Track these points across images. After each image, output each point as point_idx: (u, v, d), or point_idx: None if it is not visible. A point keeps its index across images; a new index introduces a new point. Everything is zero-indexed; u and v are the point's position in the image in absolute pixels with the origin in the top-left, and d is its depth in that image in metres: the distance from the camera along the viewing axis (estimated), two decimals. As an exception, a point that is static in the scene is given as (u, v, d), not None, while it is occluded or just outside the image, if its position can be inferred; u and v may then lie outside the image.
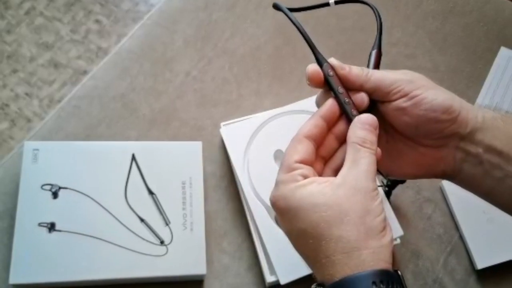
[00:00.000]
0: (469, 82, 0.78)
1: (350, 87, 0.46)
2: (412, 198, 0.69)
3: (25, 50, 1.56)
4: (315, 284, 0.42)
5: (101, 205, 0.61)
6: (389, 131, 0.49)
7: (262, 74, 0.75)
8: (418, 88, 0.46)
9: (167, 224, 0.62)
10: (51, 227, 0.59)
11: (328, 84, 0.46)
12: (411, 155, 0.49)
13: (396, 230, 0.63)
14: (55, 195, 0.61)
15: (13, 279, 0.57)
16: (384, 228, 0.41)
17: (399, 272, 0.42)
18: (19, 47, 1.56)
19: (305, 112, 0.68)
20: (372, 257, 0.40)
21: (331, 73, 0.46)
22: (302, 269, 0.60)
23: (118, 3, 1.65)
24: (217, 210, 0.66)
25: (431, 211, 0.68)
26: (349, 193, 0.41)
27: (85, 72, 1.52)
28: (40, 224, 0.59)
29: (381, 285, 0.39)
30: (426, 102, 0.45)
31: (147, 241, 0.60)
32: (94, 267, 0.58)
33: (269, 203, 0.63)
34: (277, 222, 0.46)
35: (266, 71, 0.75)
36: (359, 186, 0.41)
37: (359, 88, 0.47)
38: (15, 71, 1.53)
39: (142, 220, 0.61)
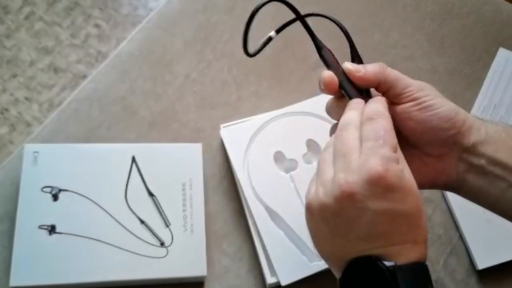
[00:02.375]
0: (468, 84, 0.78)
1: (366, 85, 0.48)
2: (412, 199, 0.69)
3: (25, 55, 1.56)
4: (375, 259, 0.41)
5: (101, 207, 0.61)
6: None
7: (261, 76, 0.75)
8: (427, 95, 0.47)
9: (167, 226, 0.62)
10: (52, 229, 0.59)
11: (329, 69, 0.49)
12: (415, 164, 0.48)
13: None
14: (55, 197, 0.61)
15: (13, 282, 0.57)
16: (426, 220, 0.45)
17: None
18: (19, 52, 1.57)
19: (305, 113, 0.68)
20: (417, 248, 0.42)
21: (331, 58, 0.50)
22: (302, 270, 0.60)
23: (117, 8, 1.66)
24: (217, 211, 0.66)
25: (431, 211, 0.68)
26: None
27: (84, 77, 1.52)
28: (40, 227, 0.59)
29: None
30: (432, 108, 0.47)
31: (147, 243, 0.60)
32: (95, 269, 0.58)
33: (269, 205, 0.63)
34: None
35: (265, 73, 0.75)
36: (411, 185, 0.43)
37: (375, 86, 0.48)
38: (14, 75, 1.53)
39: (142, 222, 0.61)
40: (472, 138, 0.47)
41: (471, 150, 0.48)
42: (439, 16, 0.82)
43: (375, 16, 0.81)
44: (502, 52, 0.80)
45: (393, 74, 0.48)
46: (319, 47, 0.50)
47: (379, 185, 0.40)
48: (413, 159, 0.48)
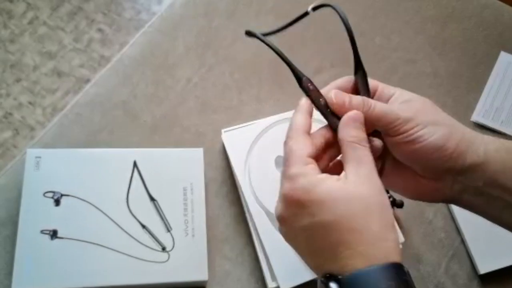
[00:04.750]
0: (469, 87, 0.78)
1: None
2: (413, 203, 0.68)
3: (29, 59, 1.57)
4: (322, 277, 0.42)
5: (103, 212, 0.61)
6: (394, 157, 0.49)
7: (263, 80, 0.75)
8: (417, 125, 0.46)
9: (168, 230, 0.62)
10: (53, 234, 0.60)
11: (309, 98, 0.48)
12: (412, 182, 0.49)
13: (398, 236, 0.63)
14: (57, 202, 0.61)
15: (15, 286, 0.57)
16: (393, 222, 0.43)
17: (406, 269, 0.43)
18: (23, 56, 1.57)
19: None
20: (395, 249, 0.41)
21: (311, 87, 0.47)
22: (303, 275, 0.60)
23: (120, 12, 1.66)
24: (219, 216, 0.66)
25: (432, 215, 0.68)
26: (367, 188, 0.42)
27: (88, 81, 1.53)
28: (42, 231, 0.59)
29: (403, 277, 0.40)
30: (419, 140, 0.46)
31: (148, 247, 0.61)
32: (96, 273, 0.59)
33: (270, 209, 0.63)
34: (283, 221, 0.46)
35: (267, 77, 0.75)
36: (373, 182, 0.43)
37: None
38: (18, 80, 1.54)
39: (143, 226, 0.61)
40: (468, 160, 0.46)
41: (467, 172, 0.46)
42: (440, 19, 0.82)
43: (376, 19, 0.81)
44: (503, 56, 0.79)
45: (377, 110, 0.46)
46: (299, 77, 0.49)
47: (292, 205, 0.43)
48: (411, 178, 0.49)
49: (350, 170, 0.43)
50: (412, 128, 0.46)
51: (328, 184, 0.42)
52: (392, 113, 0.46)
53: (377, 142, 0.49)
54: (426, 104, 0.48)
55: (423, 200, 0.51)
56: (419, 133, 0.45)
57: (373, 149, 0.46)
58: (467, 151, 0.46)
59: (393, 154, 0.49)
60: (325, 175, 0.43)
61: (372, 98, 0.49)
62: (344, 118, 0.45)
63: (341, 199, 0.42)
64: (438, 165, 0.47)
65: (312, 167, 0.44)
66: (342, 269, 0.41)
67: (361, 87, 0.49)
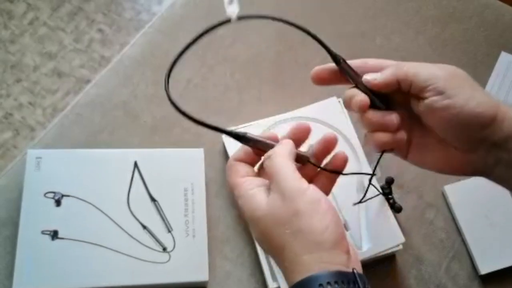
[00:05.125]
0: (470, 87, 0.78)
1: (387, 90, 0.48)
2: (414, 203, 0.69)
3: (29, 60, 1.57)
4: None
5: (103, 213, 0.61)
6: (423, 126, 0.48)
7: (263, 81, 0.75)
8: (453, 88, 0.44)
9: (169, 231, 0.62)
10: (54, 234, 0.59)
11: (350, 78, 0.50)
12: (441, 153, 0.48)
13: (398, 236, 0.63)
14: (58, 203, 0.61)
15: (16, 287, 0.57)
16: (326, 227, 0.41)
17: (355, 271, 0.41)
18: (23, 57, 1.57)
19: (307, 119, 0.68)
20: (313, 262, 0.40)
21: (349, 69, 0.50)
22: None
23: (120, 12, 1.66)
24: (219, 216, 0.66)
25: (433, 216, 0.68)
26: (275, 203, 0.42)
27: (88, 81, 1.53)
28: (43, 232, 0.59)
29: (328, 286, 0.38)
30: (457, 106, 0.44)
31: (149, 248, 0.61)
32: (97, 274, 0.59)
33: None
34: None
35: (268, 78, 0.75)
36: (281, 192, 0.42)
37: (396, 87, 0.47)
38: (18, 80, 1.54)
39: (144, 227, 0.61)
40: (504, 132, 0.45)
41: (502, 145, 0.45)
42: (441, 20, 0.82)
43: (377, 20, 0.81)
44: (504, 56, 0.79)
45: (411, 70, 0.46)
46: (337, 59, 0.51)
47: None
48: (441, 148, 0.48)
49: (270, 189, 0.44)
50: (450, 89, 0.44)
51: (251, 202, 0.44)
52: (427, 70, 0.46)
53: (393, 116, 0.47)
54: (459, 72, 0.47)
55: (453, 174, 0.50)
56: (455, 99, 0.44)
57: (388, 123, 0.47)
58: (503, 123, 0.45)
59: (426, 122, 0.47)
60: (256, 194, 0.45)
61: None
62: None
63: (258, 218, 0.43)
64: (475, 133, 0.45)
65: (247, 184, 0.46)
66: (288, 280, 0.42)
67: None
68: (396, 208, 0.65)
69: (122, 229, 0.61)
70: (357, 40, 0.79)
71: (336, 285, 0.38)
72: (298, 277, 0.40)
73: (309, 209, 0.41)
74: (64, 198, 0.61)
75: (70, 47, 1.60)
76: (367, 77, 0.48)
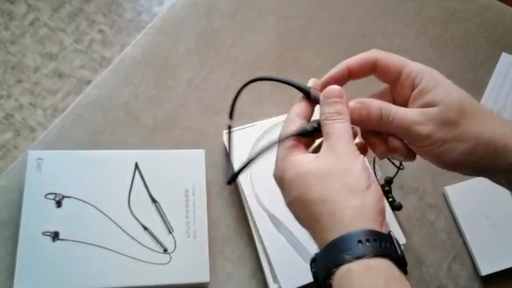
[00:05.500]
0: (471, 88, 0.77)
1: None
2: (415, 204, 0.69)
3: (29, 61, 1.57)
4: (314, 253, 0.43)
5: (104, 214, 0.61)
6: None
7: (264, 82, 0.75)
8: (436, 141, 0.45)
9: (170, 232, 0.62)
10: (55, 236, 0.59)
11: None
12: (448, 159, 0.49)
13: (399, 237, 0.63)
14: (58, 204, 0.61)
15: (17, 288, 0.57)
16: (368, 186, 0.42)
17: (392, 233, 0.42)
18: (24, 58, 1.57)
19: (307, 119, 0.69)
20: (355, 217, 0.41)
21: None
22: (304, 277, 0.60)
23: (121, 13, 1.66)
24: (220, 217, 0.66)
25: (434, 217, 0.68)
26: (328, 159, 0.43)
27: (88, 82, 1.53)
28: (44, 233, 0.59)
29: (367, 243, 0.39)
30: (441, 155, 0.46)
31: (150, 249, 0.61)
32: (98, 275, 0.58)
33: (271, 211, 0.63)
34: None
35: (268, 79, 0.75)
36: (335, 150, 0.44)
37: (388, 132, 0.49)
38: (19, 81, 1.54)
39: (145, 228, 0.61)
40: (508, 160, 0.45)
41: (508, 170, 0.46)
42: (442, 20, 0.82)
43: (378, 20, 0.81)
44: (505, 57, 0.79)
45: (395, 123, 0.46)
46: (306, 91, 0.50)
47: (278, 184, 0.47)
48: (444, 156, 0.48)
49: (322, 147, 0.45)
50: (432, 144, 0.46)
51: (297, 161, 0.45)
52: (410, 127, 0.46)
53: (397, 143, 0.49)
54: (451, 104, 0.46)
55: (462, 173, 0.50)
56: (439, 150, 0.45)
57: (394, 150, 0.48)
58: (503, 153, 0.45)
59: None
60: (302, 153, 0.46)
61: (395, 84, 0.49)
62: (320, 97, 0.48)
63: (303, 173, 0.44)
64: (469, 170, 0.47)
65: (294, 148, 0.46)
66: (320, 243, 0.42)
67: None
68: (396, 207, 0.65)
69: (123, 230, 0.61)
70: (357, 40, 0.79)
71: (374, 243, 0.39)
72: (337, 233, 0.40)
73: (358, 169, 0.43)
74: (65, 199, 0.61)
75: (71, 47, 1.60)
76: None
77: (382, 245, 0.40)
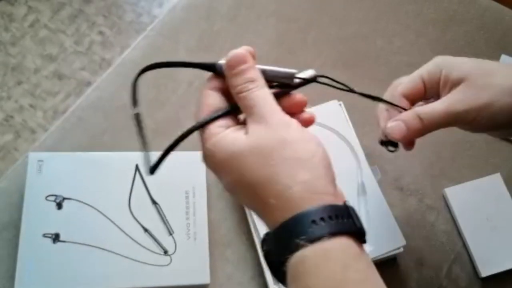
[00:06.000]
0: (471, 90, 0.78)
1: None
2: (415, 206, 0.69)
3: (30, 62, 1.57)
4: (265, 233, 0.39)
5: (105, 216, 0.61)
6: None
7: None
8: (476, 116, 0.48)
9: (170, 234, 0.62)
10: (56, 238, 0.60)
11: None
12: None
13: (399, 239, 0.63)
14: (59, 206, 0.61)
15: (18, 290, 0.57)
16: (313, 153, 0.38)
17: (347, 203, 0.38)
18: (24, 59, 1.58)
19: (307, 121, 0.69)
20: (304, 193, 0.36)
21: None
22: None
23: (121, 15, 1.67)
24: (221, 219, 0.66)
25: (434, 218, 0.68)
26: (258, 134, 0.38)
27: (89, 83, 1.53)
28: (44, 235, 0.59)
29: (322, 222, 0.35)
30: (483, 126, 0.49)
31: (151, 251, 0.61)
32: (98, 277, 0.59)
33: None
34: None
35: (268, 81, 0.75)
36: (262, 122, 0.39)
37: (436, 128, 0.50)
38: (19, 82, 1.54)
39: (146, 230, 0.61)
40: None
41: None
42: (442, 22, 0.82)
43: (378, 22, 0.81)
44: (504, 59, 0.79)
45: (430, 123, 0.49)
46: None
47: (209, 167, 0.42)
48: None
49: (247, 122, 0.40)
50: (476, 116, 0.48)
51: (225, 140, 0.39)
52: (445, 117, 0.48)
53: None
54: (469, 73, 0.49)
55: None
56: (484, 116, 0.48)
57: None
58: None
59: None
60: (229, 133, 0.40)
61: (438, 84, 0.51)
62: (224, 67, 0.42)
63: (237, 153, 0.38)
64: None
65: (219, 124, 0.40)
66: (269, 226, 0.38)
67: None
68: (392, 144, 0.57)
69: (124, 232, 0.61)
70: (358, 42, 0.79)
71: (330, 220, 0.36)
72: (287, 215, 0.36)
73: (296, 137, 0.38)
74: (66, 201, 0.61)
75: (71, 49, 1.60)
76: (390, 132, 0.51)
77: (338, 220, 0.36)
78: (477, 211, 0.67)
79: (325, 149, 0.39)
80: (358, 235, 0.37)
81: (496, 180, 0.69)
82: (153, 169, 0.43)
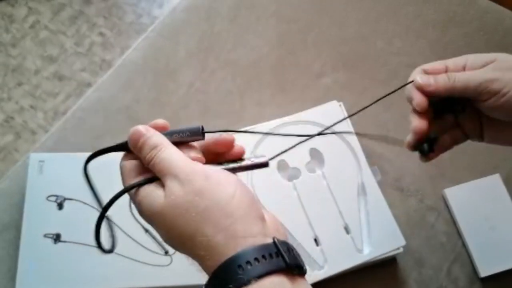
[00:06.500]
0: (470, 91, 0.78)
1: (439, 97, 0.51)
2: (415, 207, 0.69)
3: (30, 63, 1.57)
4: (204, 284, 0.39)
5: (106, 216, 0.61)
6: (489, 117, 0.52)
7: (264, 85, 0.75)
8: (505, 85, 0.48)
9: (171, 234, 0.62)
10: (57, 238, 0.60)
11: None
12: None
13: (399, 239, 0.63)
14: (60, 206, 0.61)
15: (19, 290, 0.57)
16: (232, 195, 0.38)
17: (275, 240, 0.37)
18: (24, 60, 1.58)
19: (308, 122, 0.69)
20: (228, 240, 0.36)
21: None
22: (307, 278, 0.60)
23: (121, 16, 1.67)
24: (221, 220, 0.66)
25: (434, 219, 0.68)
26: (173, 189, 0.39)
27: (89, 84, 1.53)
28: (45, 235, 0.60)
29: (248, 266, 0.35)
30: (508, 101, 0.48)
31: (151, 251, 0.61)
32: (99, 277, 0.59)
33: (272, 212, 0.63)
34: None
35: (269, 82, 0.75)
36: (174, 178, 0.39)
37: (449, 95, 0.50)
38: (20, 84, 1.54)
39: (146, 230, 0.62)
40: None
41: None
42: (442, 24, 0.82)
43: (378, 23, 0.81)
44: (504, 60, 0.80)
45: (460, 80, 0.49)
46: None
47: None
48: (510, 132, 0.52)
49: (165, 183, 0.40)
50: (503, 87, 0.48)
51: (149, 202, 0.40)
52: (477, 76, 0.49)
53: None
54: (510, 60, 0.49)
55: None
56: (509, 94, 0.47)
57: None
58: None
59: (493, 116, 0.51)
60: (150, 192, 0.40)
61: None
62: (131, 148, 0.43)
63: (160, 215, 0.39)
64: None
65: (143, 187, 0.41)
66: (208, 271, 0.38)
67: None
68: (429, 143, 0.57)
69: (124, 232, 0.61)
70: (358, 43, 0.80)
71: (257, 262, 0.35)
72: (216, 263, 0.36)
73: (210, 184, 0.38)
74: (67, 201, 0.62)
75: (71, 50, 1.60)
76: (418, 79, 0.51)
77: (266, 260, 0.35)
78: (477, 212, 0.67)
79: (244, 186, 0.39)
80: (295, 268, 0.37)
81: (495, 180, 0.69)
82: (101, 247, 0.47)
